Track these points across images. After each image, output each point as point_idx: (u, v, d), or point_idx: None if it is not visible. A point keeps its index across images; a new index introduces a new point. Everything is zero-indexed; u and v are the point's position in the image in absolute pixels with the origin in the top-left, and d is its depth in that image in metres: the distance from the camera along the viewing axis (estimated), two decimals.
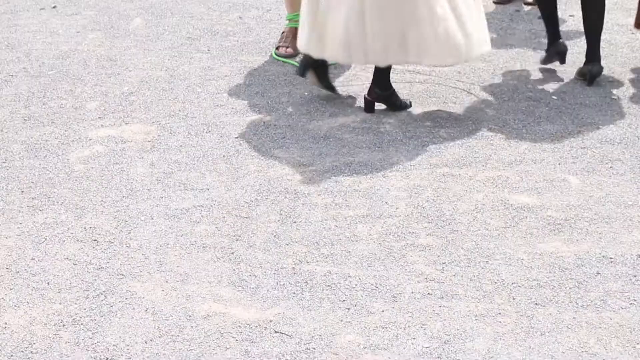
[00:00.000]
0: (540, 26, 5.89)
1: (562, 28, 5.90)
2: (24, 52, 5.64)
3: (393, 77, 4.96)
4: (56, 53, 5.63)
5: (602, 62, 5.30)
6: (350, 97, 5.06)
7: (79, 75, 5.34)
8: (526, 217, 3.99)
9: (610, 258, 3.72)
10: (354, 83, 5.22)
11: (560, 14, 6.13)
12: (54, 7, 6.35)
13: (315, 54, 4.78)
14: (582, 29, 5.91)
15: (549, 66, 5.37)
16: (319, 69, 4.94)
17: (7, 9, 6.33)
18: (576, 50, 5.58)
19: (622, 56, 5.50)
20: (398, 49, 4.61)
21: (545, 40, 5.67)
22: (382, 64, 4.75)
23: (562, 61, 5.29)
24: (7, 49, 5.69)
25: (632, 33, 5.83)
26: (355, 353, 3.27)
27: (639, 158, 4.43)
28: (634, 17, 5.92)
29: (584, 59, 5.25)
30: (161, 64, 5.48)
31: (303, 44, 4.81)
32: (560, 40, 5.28)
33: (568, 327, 3.37)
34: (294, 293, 3.55)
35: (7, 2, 6.45)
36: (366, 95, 4.89)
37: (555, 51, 5.28)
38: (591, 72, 5.13)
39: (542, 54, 5.54)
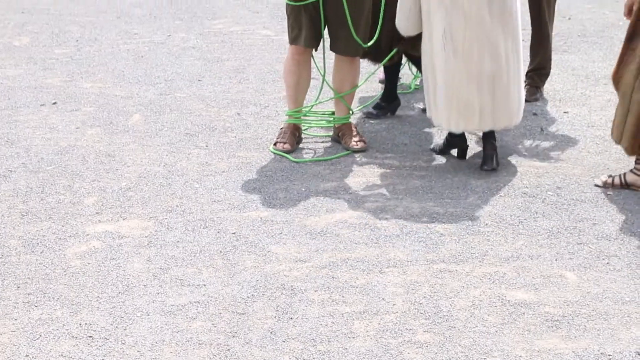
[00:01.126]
0: (534, 122, 5.96)
1: (557, 125, 5.96)
2: (24, 148, 5.68)
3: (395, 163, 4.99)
4: (55, 149, 5.67)
5: (597, 158, 5.48)
6: (346, 192, 5.09)
7: (78, 170, 5.37)
8: (524, 313, 3.98)
9: (609, 355, 3.70)
10: (352, 179, 5.25)
11: (555, 110, 6.21)
12: (54, 103, 6.43)
13: (455, 129, 5.26)
14: (580, 127, 5.98)
15: (544, 163, 5.41)
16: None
17: (7, 105, 6.39)
18: (579, 146, 5.64)
19: (617, 152, 5.54)
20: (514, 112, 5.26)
21: (540, 135, 5.73)
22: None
23: (393, 113, 6.16)
24: (6, 144, 5.74)
25: None
26: None
27: (636, 254, 4.43)
28: None
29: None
30: (159, 159, 5.52)
31: (444, 122, 5.26)
32: (397, 100, 6.18)
33: None
34: None
35: (7, 98, 6.52)
36: (489, 152, 5.33)
37: (393, 108, 6.17)
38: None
39: (535, 150, 5.59)
